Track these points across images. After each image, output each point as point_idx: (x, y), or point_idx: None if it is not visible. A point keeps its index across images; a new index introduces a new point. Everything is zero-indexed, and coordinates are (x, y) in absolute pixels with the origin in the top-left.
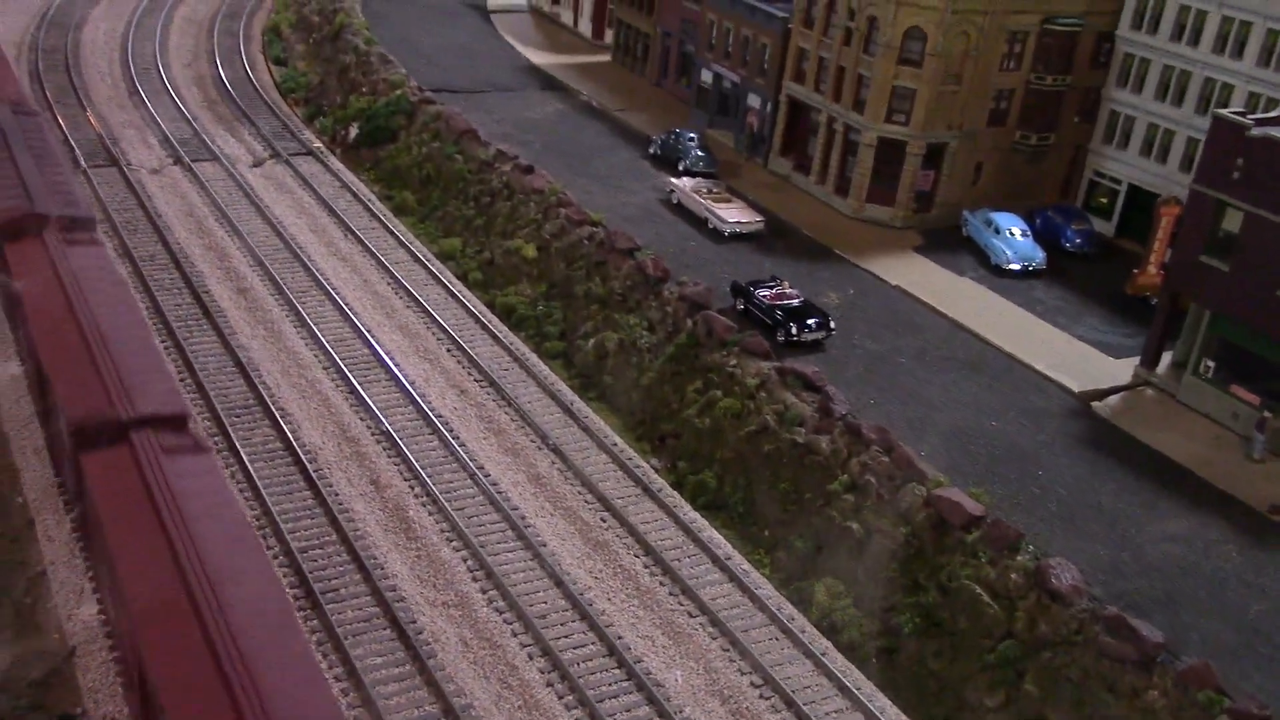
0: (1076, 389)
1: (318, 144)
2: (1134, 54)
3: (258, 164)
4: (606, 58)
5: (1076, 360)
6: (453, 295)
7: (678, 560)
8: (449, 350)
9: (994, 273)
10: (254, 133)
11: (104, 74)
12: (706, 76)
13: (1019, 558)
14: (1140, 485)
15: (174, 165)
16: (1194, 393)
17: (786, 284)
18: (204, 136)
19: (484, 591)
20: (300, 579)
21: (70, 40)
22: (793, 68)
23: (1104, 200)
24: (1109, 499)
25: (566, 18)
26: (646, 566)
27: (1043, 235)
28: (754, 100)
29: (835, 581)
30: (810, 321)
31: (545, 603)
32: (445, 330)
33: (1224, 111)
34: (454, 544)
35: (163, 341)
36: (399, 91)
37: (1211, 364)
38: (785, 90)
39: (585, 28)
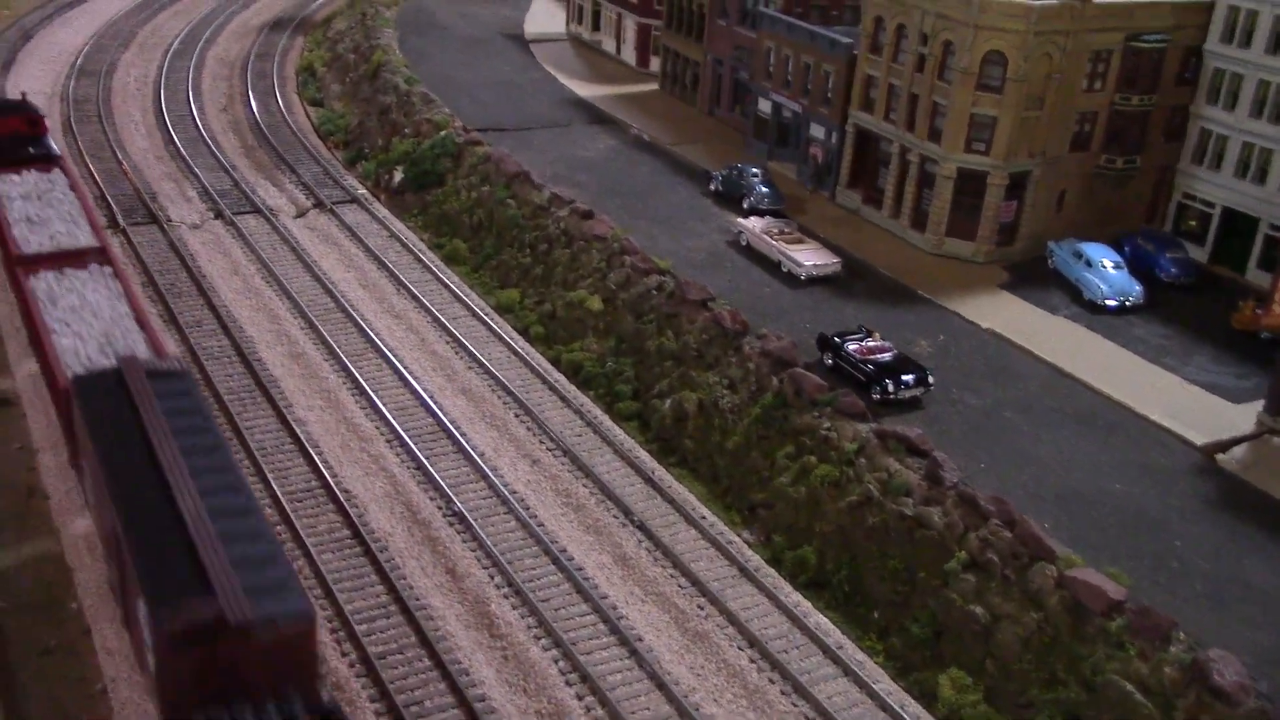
0: (1199, 442)
1: (361, 190)
2: (1225, 69)
3: (301, 214)
4: (653, 87)
5: (1192, 406)
6: (514, 352)
7: (785, 652)
8: (517, 415)
9: (1088, 309)
10: (295, 180)
11: (137, 123)
12: (764, 106)
13: (1172, 649)
14: None
15: (215, 220)
16: None
17: (877, 335)
18: (244, 187)
19: (580, 698)
20: (381, 691)
21: (101, 88)
22: (860, 96)
23: (1194, 224)
24: (1258, 572)
25: (608, 46)
26: (753, 660)
27: (1134, 265)
28: (817, 130)
29: (961, 673)
30: (906, 378)
31: (648, 709)
32: (510, 392)
33: None
34: (542, 642)
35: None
36: (444, 132)
37: None
38: (852, 119)
39: (629, 56)
